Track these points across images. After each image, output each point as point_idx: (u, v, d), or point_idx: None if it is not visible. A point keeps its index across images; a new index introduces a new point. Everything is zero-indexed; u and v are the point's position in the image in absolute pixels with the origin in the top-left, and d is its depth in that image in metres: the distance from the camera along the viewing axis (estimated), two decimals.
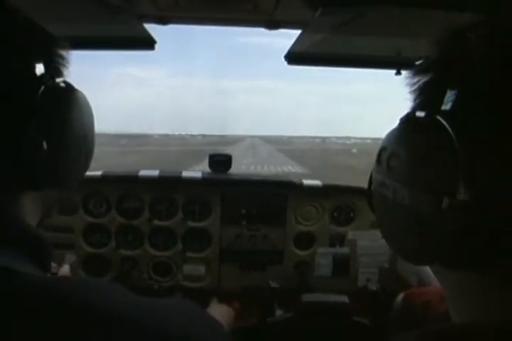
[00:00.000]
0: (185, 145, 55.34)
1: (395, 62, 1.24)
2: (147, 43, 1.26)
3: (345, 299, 1.55)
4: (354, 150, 44.02)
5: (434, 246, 0.43)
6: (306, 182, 1.90)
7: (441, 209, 0.40)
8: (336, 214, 1.91)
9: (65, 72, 0.62)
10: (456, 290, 0.48)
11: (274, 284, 1.76)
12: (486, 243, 0.41)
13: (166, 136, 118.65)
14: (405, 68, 1.22)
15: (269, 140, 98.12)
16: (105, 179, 1.83)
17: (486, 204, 0.39)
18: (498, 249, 0.41)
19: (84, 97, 0.64)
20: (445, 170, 0.41)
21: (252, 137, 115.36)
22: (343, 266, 1.88)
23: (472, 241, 0.41)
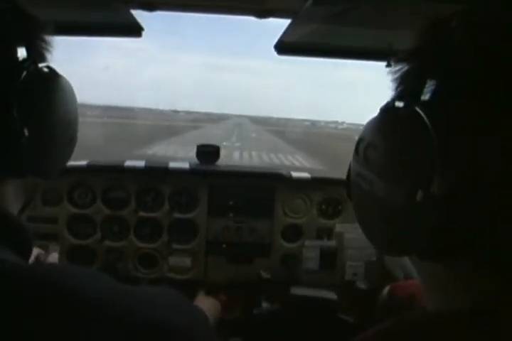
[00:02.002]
0: (160, 121, 52.08)
1: (386, 54, 1.23)
2: (134, 30, 1.22)
3: (333, 296, 1.55)
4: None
5: (407, 238, 0.44)
6: (295, 174, 1.89)
7: (415, 201, 0.40)
8: (324, 206, 1.91)
9: (49, 56, 0.60)
10: (431, 280, 0.49)
11: (265, 275, 1.76)
12: (458, 235, 0.41)
13: (148, 110, 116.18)
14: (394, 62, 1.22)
15: (256, 120, 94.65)
16: (90, 169, 1.80)
17: (461, 197, 0.39)
18: (471, 240, 0.41)
19: (68, 83, 0.62)
20: (420, 162, 0.40)
21: (239, 117, 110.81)
22: (330, 259, 1.88)
23: (445, 234, 0.41)
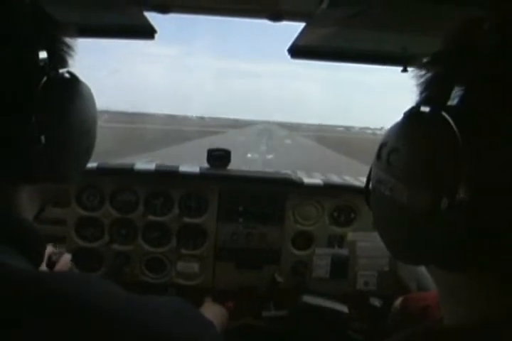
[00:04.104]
0: (170, 125, 50.94)
1: (402, 59, 1.21)
2: (147, 32, 1.22)
3: (344, 309, 1.51)
4: None
5: (429, 246, 0.42)
6: (307, 180, 1.87)
7: (439, 209, 0.39)
8: (336, 214, 1.87)
9: (70, 61, 0.59)
10: (449, 291, 0.48)
11: (279, 278, 1.73)
12: (483, 245, 0.40)
13: (172, 116, 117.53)
14: (412, 65, 1.20)
15: (286, 126, 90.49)
16: (100, 171, 1.79)
17: (486, 205, 0.38)
18: (495, 250, 0.40)
19: (88, 89, 0.61)
20: (445, 169, 0.39)
21: (266, 123, 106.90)
22: (341, 268, 1.85)
23: (470, 243, 0.40)
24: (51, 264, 1.14)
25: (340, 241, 1.85)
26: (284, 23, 1.13)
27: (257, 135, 35.87)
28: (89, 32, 1.21)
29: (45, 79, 0.51)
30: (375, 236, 1.78)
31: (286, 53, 1.28)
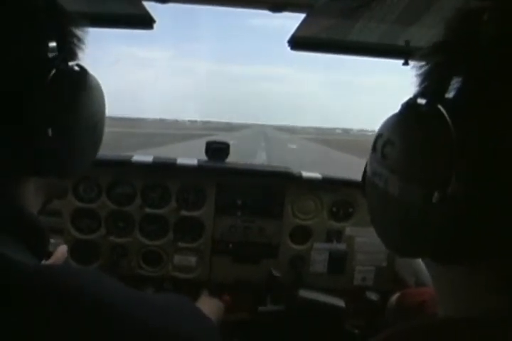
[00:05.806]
0: (157, 129, 50.11)
1: (404, 52, 1.19)
2: (145, 22, 1.20)
3: (341, 303, 1.51)
4: None
5: (421, 240, 0.43)
6: (306, 174, 1.85)
7: (431, 202, 0.39)
8: (334, 208, 1.86)
9: (81, 54, 0.59)
10: (445, 287, 0.48)
11: (275, 273, 1.72)
12: (474, 238, 0.40)
13: (162, 120, 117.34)
14: (413, 58, 1.18)
15: (282, 129, 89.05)
16: (97, 163, 1.77)
17: (478, 199, 0.38)
18: (486, 244, 0.40)
19: (98, 83, 0.60)
20: (438, 163, 0.39)
21: (262, 126, 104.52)
22: (339, 263, 1.84)
23: (460, 236, 0.40)
24: (47, 255, 1.14)
25: (338, 235, 1.84)
26: (283, 21, 1.12)
27: (253, 138, 30.79)
28: (87, 21, 1.19)
29: (53, 71, 0.51)
30: (374, 231, 1.77)
31: (286, 45, 1.26)
